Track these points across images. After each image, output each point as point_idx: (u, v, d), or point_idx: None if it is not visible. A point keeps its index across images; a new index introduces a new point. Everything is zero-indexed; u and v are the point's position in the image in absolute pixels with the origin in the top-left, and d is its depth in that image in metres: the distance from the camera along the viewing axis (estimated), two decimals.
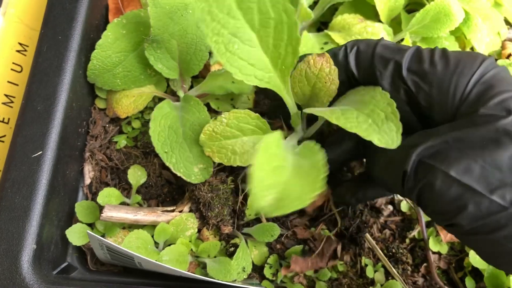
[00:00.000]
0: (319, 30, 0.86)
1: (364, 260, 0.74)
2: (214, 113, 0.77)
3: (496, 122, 0.42)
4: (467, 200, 0.41)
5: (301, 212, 0.74)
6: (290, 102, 0.57)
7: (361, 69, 0.53)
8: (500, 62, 0.85)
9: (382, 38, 0.54)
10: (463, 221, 0.41)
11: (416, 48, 0.50)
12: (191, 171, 0.67)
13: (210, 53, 0.76)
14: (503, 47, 0.89)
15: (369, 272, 0.73)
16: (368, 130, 0.44)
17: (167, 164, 0.66)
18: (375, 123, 0.44)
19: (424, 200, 0.44)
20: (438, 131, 0.46)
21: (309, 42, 0.74)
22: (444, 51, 0.49)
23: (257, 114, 0.61)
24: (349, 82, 0.56)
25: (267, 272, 0.69)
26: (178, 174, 0.66)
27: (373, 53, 0.52)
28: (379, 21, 0.76)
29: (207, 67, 0.77)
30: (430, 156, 0.44)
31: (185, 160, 0.66)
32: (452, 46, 0.78)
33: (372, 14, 0.78)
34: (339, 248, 0.69)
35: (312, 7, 0.80)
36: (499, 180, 0.40)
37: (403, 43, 0.75)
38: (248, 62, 0.53)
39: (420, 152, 0.44)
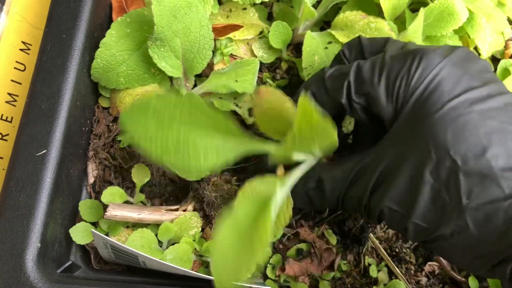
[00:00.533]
0: (322, 29, 0.86)
1: (368, 259, 0.74)
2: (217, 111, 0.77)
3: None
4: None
5: (306, 213, 0.74)
6: None
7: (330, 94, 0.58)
8: (503, 62, 0.85)
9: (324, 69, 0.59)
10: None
11: (356, 66, 0.54)
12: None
13: (214, 52, 0.77)
14: (506, 47, 0.89)
15: (373, 271, 0.73)
16: None
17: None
18: None
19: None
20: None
21: (313, 42, 0.74)
22: (373, 63, 0.53)
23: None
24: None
25: (269, 271, 0.69)
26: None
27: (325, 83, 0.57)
28: (384, 18, 0.76)
29: (210, 66, 0.77)
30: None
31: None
32: (455, 44, 0.78)
33: (375, 13, 0.78)
34: (337, 260, 0.70)
35: (315, 6, 0.80)
36: None
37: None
38: None
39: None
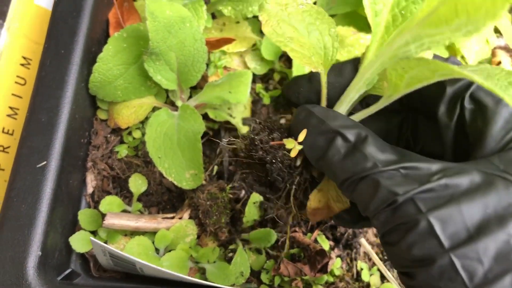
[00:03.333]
0: None
1: (360, 264, 0.76)
2: (211, 122, 0.79)
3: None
4: (437, 259, 0.37)
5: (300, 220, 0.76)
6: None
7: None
8: None
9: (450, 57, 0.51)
10: (421, 277, 0.38)
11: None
12: (182, 177, 0.69)
13: (208, 65, 0.79)
14: (493, 54, 0.92)
15: (365, 275, 0.75)
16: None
17: (159, 169, 0.68)
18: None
19: (392, 239, 0.40)
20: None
21: None
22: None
23: None
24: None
25: (264, 277, 0.71)
26: (170, 179, 0.69)
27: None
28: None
29: (204, 78, 0.79)
30: (424, 199, 0.39)
31: (177, 165, 0.69)
32: (442, 54, 0.81)
33: (365, 26, 0.81)
34: (331, 263, 0.71)
35: None
36: (478, 255, 0.36)
37: None
38: None
39: (417, 192, 0.39)
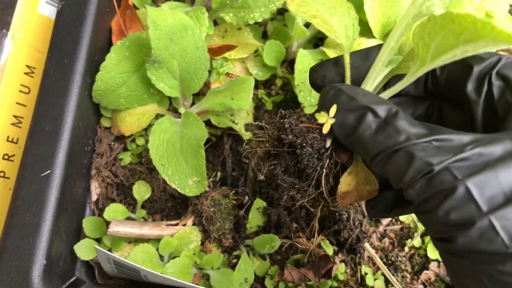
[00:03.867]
0: (316, 46, 0.89)
1: (364, 268, 0.76)
2: (214, 128, 0.79)
3: None
4: (476, 221, 0.38)
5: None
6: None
7: (445, 68, 0.51)
8: None
9: None
10: (461, 239, 0.38)
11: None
12: (185, 184, 0.69)
13: (210, 71, 0.79)
14: None
15: (369, 280, 0.75)
16: None
17: (163, 176, 0.69)
18: None
19: (427, 207, 0.41)
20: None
21: (305, 60, 0.77)
22: None
23: None
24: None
25: (268, 283, 0.71)
26: (173, 186, 0.69)
27: None
28: (373, 37, 0.78)
29: (207, 84, 0.80)
30: (459, 167, 0.40)
31: (180, 172, 0.69)
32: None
33: (366, 30, 0.81)
34: (335, 268, 0.71)
35: (308, 24, 0.83)
36: None
37: None
38: None
39: (452, 161, 0.40)
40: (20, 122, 0.83)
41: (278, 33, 0.86)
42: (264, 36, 0.89)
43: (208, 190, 0.73)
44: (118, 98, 0.73)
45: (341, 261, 0.75)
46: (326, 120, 0.49)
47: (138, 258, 0.66)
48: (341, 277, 0.74)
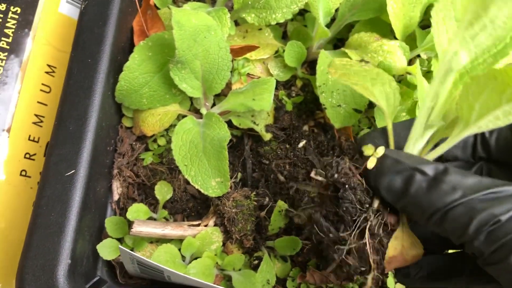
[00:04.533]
0: (335, 46, 0.88)
1: None
2: (235, 129, 0.79)
3: None
4: None
5: None
6: None
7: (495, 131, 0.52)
8: None
9: None
10: None
11: None
12: (208, 184, 0.69)
13: (232, 72, 0.79)
14: None
15: (390, 283, 0.75)
16: None
17: (186, 176, 0.69)
18: None
19: (499, 256, 0.40)
20: None
21: (327, 61, 0.76)
22: None
23: None
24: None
25: (290, 284, 0.71)
26: (196, 187, 0.69)
27: None
28: (395, 38, 0.78)
29: (228, 85, 0.80)
30: None
31: (203, 173, 0.69)
32: None
33: (387, 31, 0.81)
34: None
35: (329, 24, 0.83)
36: None
37: (418, 59, 0.77)
38: None
39: None
40: (41, 121, 0.84)
41: (298, 33, 0.86)
42: (284, 37, 0.89)
43: (229, 191, 0.72)
44: (140, 98, 0.74)
45: None
46: (372, 153, 0.49)
47: (162, 259, 0.66)
48: (363, 280, 0.73)
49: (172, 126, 0.79)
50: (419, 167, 0.46)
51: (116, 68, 0.73)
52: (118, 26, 0.75)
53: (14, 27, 0.85)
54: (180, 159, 0.69)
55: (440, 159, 0.53)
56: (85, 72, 0.70)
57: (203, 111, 0.76)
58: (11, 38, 0.84)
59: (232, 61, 0.76)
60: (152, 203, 0.76)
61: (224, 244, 0.72)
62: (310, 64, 0.87)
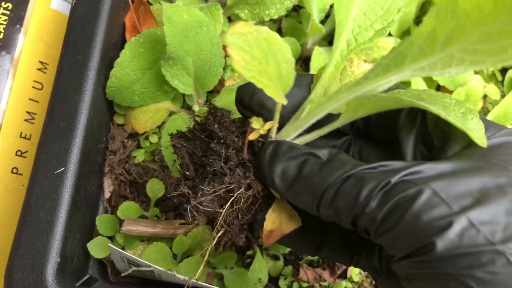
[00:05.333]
0: (330, 43, 0.88)
1: None
2: None
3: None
4: (453, 220, 0.35)
5: None
6: None
7: None
8: (510, 72, 0.86)
9: None
10: (440, 243, 0.35)
11: None
12: None
13: (224, 69, 0.79)
14: None
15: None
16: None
17: (174, 174, 0.68)
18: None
19: (391, 221, 0.38)
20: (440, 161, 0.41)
21: (321, 57, 0.76)
22: None
23: None
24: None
25: (282, 283, 0.71)
26: None
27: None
28: (390, 34, 0.77)
29: (221, 82, 0.79)
30: (416, 178, 0.39)
31: None
32: None
33: None
34: (350, 268, 0.70)
35: (323, 21, 0.82)
36: (492, 216, 0.36)
37: None
38: None
39: (406, 174, 0.40)
40: (33, 118, 0.83)
41: (293, 30, 0.85)
42: (279, 33, 0.87)
43: None
44: (132, 95, 0.73)
45: None
46: (260, 127, 0.49)
47: (152, 257, 0.66)
48: (356, 278, 0.73)
49: (165, 123, 0.78)
50: (314, 152, 0.45)
51: (107, 64, 0.73)
52: (110, 22, 0.74)
53: (5, 23, 0.84)
54: (169, 157, 0.68)
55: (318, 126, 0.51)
56: (76, 69, 0.69)
57: (195, 108, 0.75)
58: (2, 34, 0.83)
59: (225, 57, 0.76)
60: (144, 201, 0.75)
61: None
62: (305, 61, 0.86)
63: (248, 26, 0.43)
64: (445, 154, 0.45)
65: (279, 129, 0.51)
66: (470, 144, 0.43)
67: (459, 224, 0.35)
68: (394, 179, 0.39)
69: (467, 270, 0.35)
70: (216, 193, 0.49)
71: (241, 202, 0.50)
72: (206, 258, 0.54)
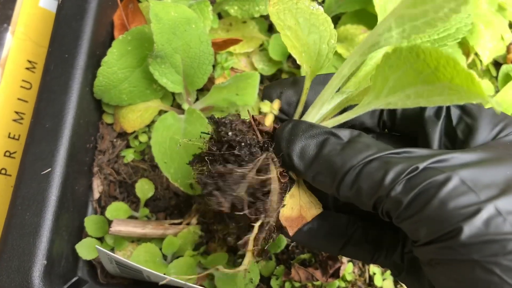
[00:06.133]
0: None
1: (372, 268, 0.74)
2: None
3: None
4: (480, 208, 0.36)
5: None
6: None
7: None
8: (504, 67, 0.85)
9: None
10: (467, 229, 0.36)
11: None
12: (188, 182, 0.68)
13: (214, 66, 0.78)
14: (508, 51, 0.89)
15: (378, 280, 0.73)
16: None
17: (165, 174, 0.67)
18: None
19: (417, 206, 0.39)
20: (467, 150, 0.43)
21: None
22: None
23: None
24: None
25: (274, 283, 0.70)
26: (176, 185, 0.67)
27: None
28: None
29: (211, 80, 0.78)
30: (443, 166, 0.40)
31: (183, 171, 0.67)
32: (455, 53, 0.79)
33: (374, 24, 0.78)
34: (343, 268, 0.69)
35: None
36: None
37: None
38: None
39: (433, 161, 0.40)
40: (22, 118, 0.82)
41: None
42: (270, 30, 0.87)
43: None
44: (120, 94, 0.72)
45: (349, 261, 0.73)
46: (270, 110, 0.48)
47: (141, 258, 0.65)
48: (349, 277, 0.72)
49: (154, 122, 0.77)
50: (334, 131, 0.45)
51: (95, 63, 0.71)
52: (97, 20, 0.73)
53: None
54: (160, 157, 0.67)
55: (345, 125, 0.51)
56: (62, 67, 0.68)
57: (185, 106, 0.74)
58: None
59: (215, 54, 0.75)
60: (134, 201, 0.74)
61: (207, 243, 0.71)
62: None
63: None
64: (469, 147, 0.45)
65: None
66: (494, 137, 0.45)
67: (486, 212, 0.36)
68: (422, 165, 0.39)
69: (493, 257, 0.35)
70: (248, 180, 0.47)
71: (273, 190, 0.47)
72: (249, 250, 0.49)
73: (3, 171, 0.79)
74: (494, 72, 0.89)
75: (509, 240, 0.35)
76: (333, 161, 0.43)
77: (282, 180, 0.48)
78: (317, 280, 0.70)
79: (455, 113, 0.47)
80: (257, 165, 0.47)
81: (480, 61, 0.84)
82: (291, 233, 0.50)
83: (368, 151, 0.42)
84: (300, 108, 0.51)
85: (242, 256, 0.69)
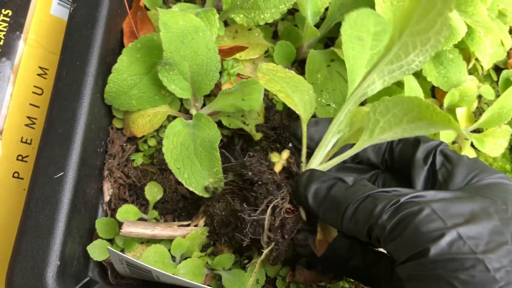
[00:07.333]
0: (326, 45, 0.88)
1: None
2: (225, 129, 0.80)
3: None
4: (445, 232, 0.44)
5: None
6: None
7: (400, 142, 0.64)
8: (505, 72, 0.87)
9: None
10: (433, 249, 0.44)
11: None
12: (202, 186, 0.70)
13: (221, 73, 0.80)
14: (508, 56, 0.91)
15: None
16: None
17: (179, 179, 0.69)
18: None
19: (398, 230, 0.47)
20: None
21: (316, 60, 0.77)
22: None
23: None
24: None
25: (280, 284, 0.71)
26: (190, 189, 0.69)
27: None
28: None
29: (218, 86, 0.80)
30: (420, 200, 0.49)
31: (196, 175, 0.70)
32: (456, 58, 0.80)
33: None
34: None
35: (319, 23, 0.83)
36: (477, 233, 0.45)
37: None
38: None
39: (412, 196, 0.49)
40: (34, 123, 0.84)
41: (288, 33, 0.86)
42: (275, 36, 0.89)
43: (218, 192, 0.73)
44: (130, 99, 0.74)
45: None
46: (278, 160, 0.63)
47: (150, 259, 0.67)
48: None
49: (163, 126, 0.79)
50: (342, 177, 0.58)
51: (105, 70, 0.74)
52: (107, 28, 0.75)
53: (5, 29, 0.85)
54: (173, 163, 0.69)
55: (353, 160, 0.66)
56: (74, 74, 0.70)
57: (193, 111, 0.76)
58: (2, 41, 0.84)
59: (222, 61, 0.77)
60: (143, 204, 0.76)
61: (214, 244, 0.73)
62: (301, 64, 0.87)
63: (275, 66, 0.63)
64: (447, 189, 0.55)
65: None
66: (468, 182, 0.55)
67: (450, 236, 0.44)
68: (403, 199, 0.49)
69: (453, 272, 0.43)
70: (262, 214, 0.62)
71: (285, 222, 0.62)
72: (256, 270, 0.64)
73: (15, 175, 0.81)
74: (495, 77, 0.91)
75: (467, 259, 0.43)
76: (338, 199, 0.54)
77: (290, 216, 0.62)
78: (322, 281, 0.71)
79: (439, 160, 0.59)
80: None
81: (481, 66, 0.86)
82: (320, 253, 0.62)
83: (364, 190, 0.53)
84: (304, 149, 0.65)
85: (248, 257, 0.71)
